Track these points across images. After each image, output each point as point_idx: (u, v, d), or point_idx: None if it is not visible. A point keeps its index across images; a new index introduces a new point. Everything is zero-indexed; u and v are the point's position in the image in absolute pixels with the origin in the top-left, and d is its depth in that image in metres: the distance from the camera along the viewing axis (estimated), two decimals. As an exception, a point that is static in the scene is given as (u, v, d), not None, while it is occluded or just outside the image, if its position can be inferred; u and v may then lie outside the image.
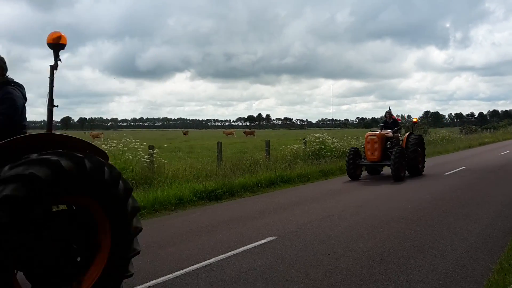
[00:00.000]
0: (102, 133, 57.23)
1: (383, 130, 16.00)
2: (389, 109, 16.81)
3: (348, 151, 15.69)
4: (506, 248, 6.32)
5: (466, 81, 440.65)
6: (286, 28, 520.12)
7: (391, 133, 15.87)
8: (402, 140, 16.04)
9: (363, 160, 15.38)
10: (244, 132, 71.49)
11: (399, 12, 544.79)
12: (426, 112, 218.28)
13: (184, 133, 75.66)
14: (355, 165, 15.02)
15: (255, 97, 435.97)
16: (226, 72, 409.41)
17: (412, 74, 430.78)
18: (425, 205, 10.14)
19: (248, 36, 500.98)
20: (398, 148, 14.65)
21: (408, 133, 16.59)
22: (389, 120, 16.63)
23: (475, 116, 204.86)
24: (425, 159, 16.68)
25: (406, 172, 15.07)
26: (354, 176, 14.93)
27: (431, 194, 11.75)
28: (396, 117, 17.88)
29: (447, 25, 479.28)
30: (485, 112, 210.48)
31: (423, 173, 16.04)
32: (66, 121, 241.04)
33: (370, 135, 15.44)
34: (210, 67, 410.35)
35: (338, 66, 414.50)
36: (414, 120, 20.23)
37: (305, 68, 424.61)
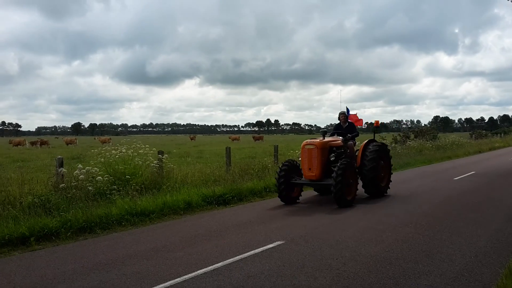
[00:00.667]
0: (110, 138, 58.99)
1: (331, 137, 12.44)
2: (347, 108, 13.23)
3: (280, 165, 11.84)
4: (515, 253, 6.28)
5: (475, 86, 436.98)
6: (294, 34, 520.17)
7: (339, 141, 11.89)
8: (358, 150, 12.28)
9: (300, 178, 11.64)
10: (253, 137, 71.82)
11: (407, 18, 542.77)
12: (436, 117, 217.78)
13: (192, 138, 76.46)
14: (289, 185, 11.25)
15: (263, 102, 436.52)
16: (235, 78, 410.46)
17: (421, 79, 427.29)
18: (434, 209, 10.10)
19: (256, 43, 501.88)
20: (343, 161, 10.78)
21: (366, 141, 12.47)
22: (343, 124, 12.76)
23: (486, 121, 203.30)
24: (391, 176, 12.92)
25: (364, 191, 12.03)
26: (287, 199, 11.21)
27: (440, 198, 11.69)
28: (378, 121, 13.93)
29: (456, 30, 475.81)
30: (495, 117, 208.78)
31: (385, 193, 12.38)
32: (77, 126, 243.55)
33: (306, 144, 11.43)
34: (218, 73, 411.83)
35: (347, 71, 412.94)
36: (375, 122, 14.11)
37: (314, 74, 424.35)
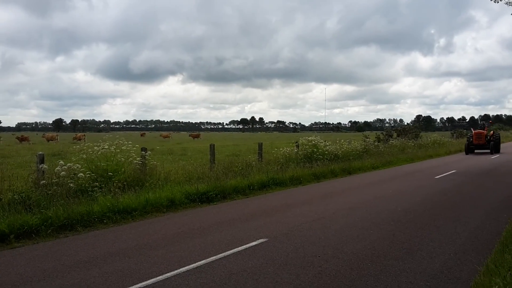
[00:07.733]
0: (84, 134, 59.77)
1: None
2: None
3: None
4: (493, 250, 6.40)
5: (455, 85, 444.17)
6: (276, 34, 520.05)
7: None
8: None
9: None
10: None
11: (385, 19, 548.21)
12: (418, 116, 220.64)
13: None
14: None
15: (247, 100, 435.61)
16: (218, 75, 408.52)
17: (401, 79, 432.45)
18: (416, 207, 10.23)
19: (238, 41, 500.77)
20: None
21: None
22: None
23: (467, 121, 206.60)
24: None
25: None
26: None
27: (422, 196, 11.86)
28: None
29: (432, 31, 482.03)
30: (476, 117, 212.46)
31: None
32: (58, 123, 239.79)
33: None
34: (202, 71, 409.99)
35: (328, 70, 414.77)
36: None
37: (296, 73, 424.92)
